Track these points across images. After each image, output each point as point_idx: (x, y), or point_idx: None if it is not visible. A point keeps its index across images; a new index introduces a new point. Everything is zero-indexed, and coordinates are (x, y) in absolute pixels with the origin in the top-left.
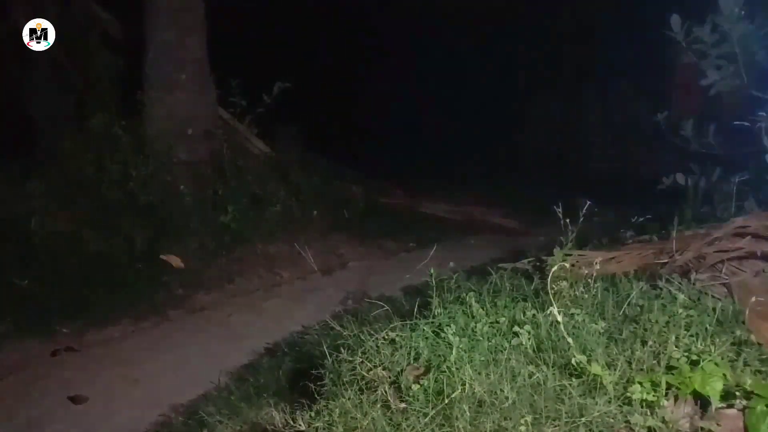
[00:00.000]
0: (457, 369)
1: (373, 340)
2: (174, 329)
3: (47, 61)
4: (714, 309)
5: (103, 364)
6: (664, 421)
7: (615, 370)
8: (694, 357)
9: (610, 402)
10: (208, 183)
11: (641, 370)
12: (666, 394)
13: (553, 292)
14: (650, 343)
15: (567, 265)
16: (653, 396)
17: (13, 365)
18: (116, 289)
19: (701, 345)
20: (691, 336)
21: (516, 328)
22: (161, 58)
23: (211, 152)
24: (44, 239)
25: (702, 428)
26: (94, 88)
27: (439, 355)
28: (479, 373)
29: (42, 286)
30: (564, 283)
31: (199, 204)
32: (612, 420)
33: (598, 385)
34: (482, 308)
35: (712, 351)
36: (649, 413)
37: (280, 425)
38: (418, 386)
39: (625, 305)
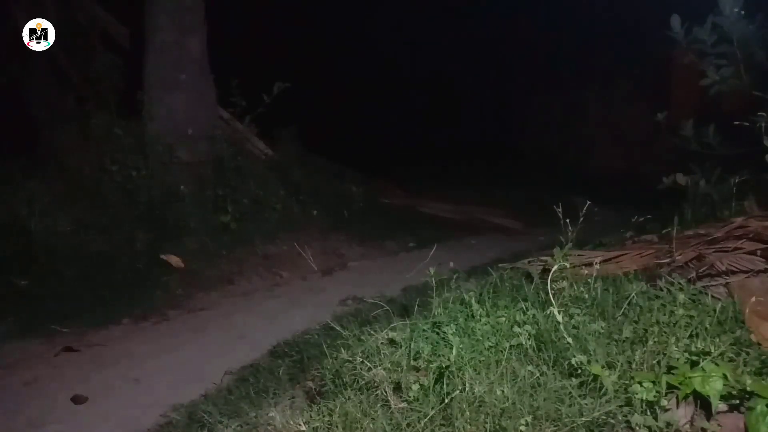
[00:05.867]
0: (457, 369)
1: (373, 340)
2: (174, 329)
3: (47, 61)
4: (714, 309)
5: (104, 364)
6: (664, 421)
7: (615, 370)
8: (694, 357)
9: (610, 402)
10: (208, 183)
11: (641, 370)
12: (666, 395)
13: (553, 292)
14: (650, 343)
15: (567, 265)
16: (653, 396)
17: (14, 365)
18: (116, 289)
19: (701, 345)
20: (691, 336)
21: (516, 328)
22: (161, 58)
23: (212, 152)
24: (44, 239)
25: (702, 428)
26: (94, 88)
27: (440, 355)
28: (479, 373)
29: (42, 286)
30: (564, 283)
31: (199, 204)
32: (612, 420)
33: (598, 386)
34: (482, 308)
35: (712, 351)
36: (649, 413)
37: (281, 425)
38: (419, 386)
39: (625, 305)
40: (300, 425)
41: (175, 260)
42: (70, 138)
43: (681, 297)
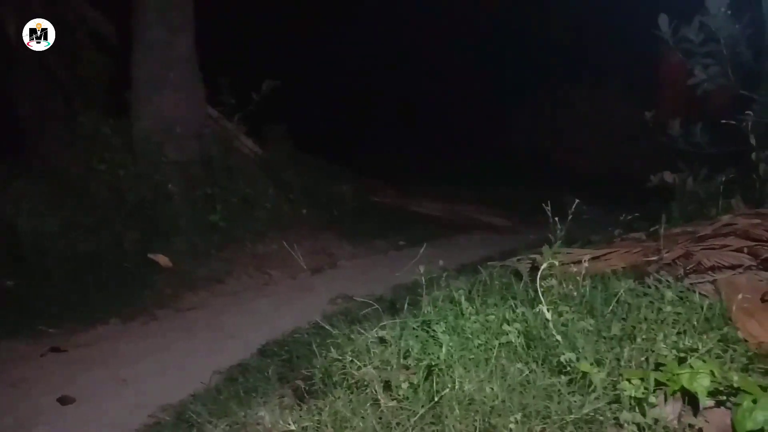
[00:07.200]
0: (447, 367)
1: (362, 339)
2: (162, 329)
3: (35, 60)
4: (701, 306)
5: (91, 364)
6: (652, 418)
7: (603, 367)
8: (682, 354)
9: (598, 399)
10: (197, 182)
11: (630, 367)
12: (654, 391)
13: (542, 289)
14: (638, 340)
15: (556, 263)
16: (642, 393)
17: (0, 366)
18: (104, 289)
19: (689, 342)
20: (679, 333)
21: (505, 326)
22: (149, 57)
23: (200, 151)
24: (31, 239)
25: (690, 424)
26: (83, 87)
27: (429, 353)
28: (469, 371)
29: (29, 287)
30: (553, 281)
31: (188, 203)
32: (601, 417)
33: (587, 383)
34: (472, 306)
35: (700, 348)
36: (637, 410)
37: (270, 425)
38: (408, 384)
39: (614, 303)
40: (289, 424)
41: (163, 260)
42: (58, 137)
43: (669, 294)
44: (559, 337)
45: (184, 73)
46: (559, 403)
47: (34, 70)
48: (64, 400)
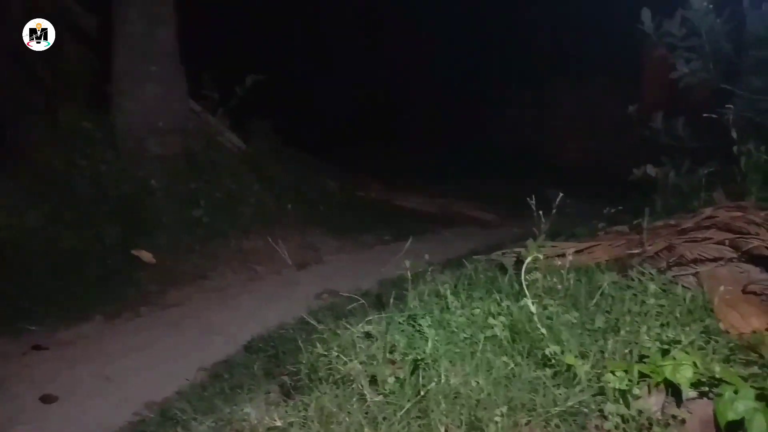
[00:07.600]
0: (432, 361)
1: (348, 334)
2: (146, 326)
3: (14, 53)
4: (684, 298)
5: (74, 362)
6: (636, 409)
7: (588, 360)
8: (665, 346)
9: (583, 392)
10: (180, 177)
11: (614, 359)
12: (638, 383)
13: (526, 283)
14: (622, 332)
15: (540, 256)
16: (626, 385)
17: None
18: (87, 285)
19: (672, 334)
20: (662, 325)
21: (491, 320)
22: (131, 51)
23: (183, 146)
24: (12, 235)
25: (673, 415)
26: (63, 81)
27: (415, 348)
28: (454, 365)
29: (10, 284)
30: (538, 275)
31: (171, 198)
32: (585, 409)
33: (572, 375)
34: (457, 300)
35: (683, 340)
36: (621, 402)
37: (255, 421)
38: (394, 379)
39: (598, 295)
40: (275, 420)
41: (146, 256)
42: (38, 132)
43: (652, 287)
44: (543, 331)
45: (166, 66)
46: (544, 395)
47: (13, 63)
48: (46, 399)
